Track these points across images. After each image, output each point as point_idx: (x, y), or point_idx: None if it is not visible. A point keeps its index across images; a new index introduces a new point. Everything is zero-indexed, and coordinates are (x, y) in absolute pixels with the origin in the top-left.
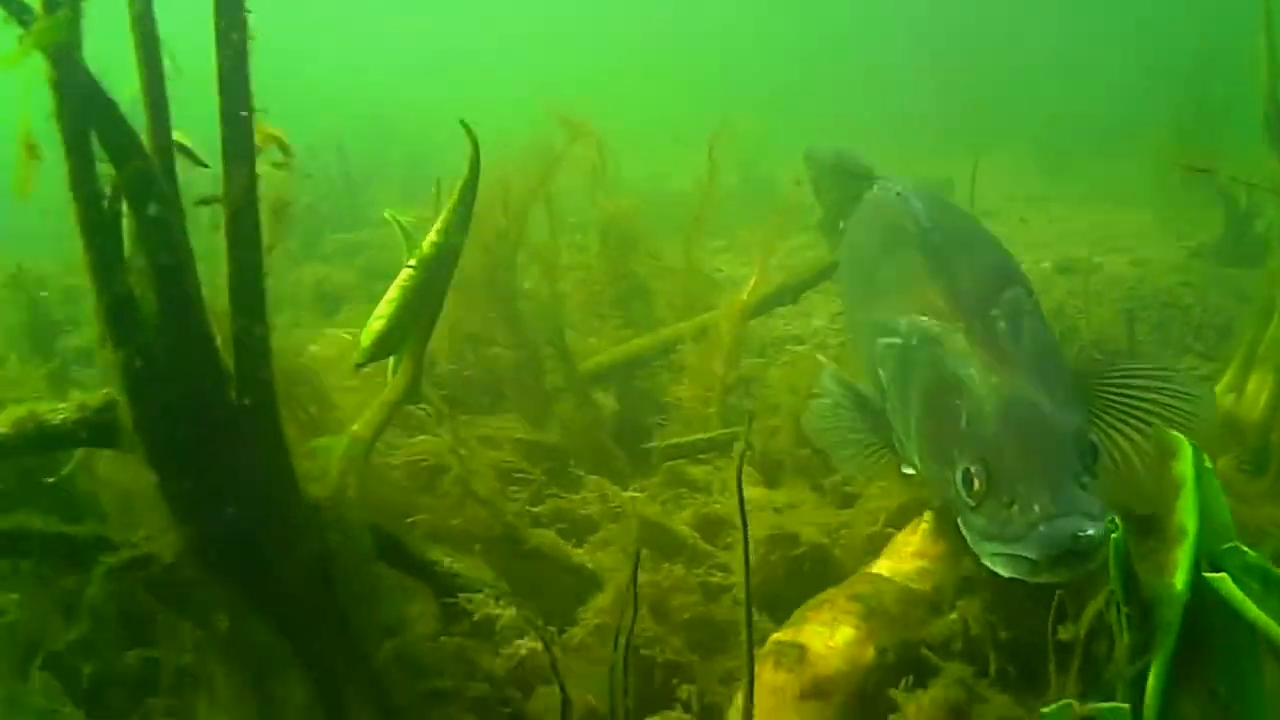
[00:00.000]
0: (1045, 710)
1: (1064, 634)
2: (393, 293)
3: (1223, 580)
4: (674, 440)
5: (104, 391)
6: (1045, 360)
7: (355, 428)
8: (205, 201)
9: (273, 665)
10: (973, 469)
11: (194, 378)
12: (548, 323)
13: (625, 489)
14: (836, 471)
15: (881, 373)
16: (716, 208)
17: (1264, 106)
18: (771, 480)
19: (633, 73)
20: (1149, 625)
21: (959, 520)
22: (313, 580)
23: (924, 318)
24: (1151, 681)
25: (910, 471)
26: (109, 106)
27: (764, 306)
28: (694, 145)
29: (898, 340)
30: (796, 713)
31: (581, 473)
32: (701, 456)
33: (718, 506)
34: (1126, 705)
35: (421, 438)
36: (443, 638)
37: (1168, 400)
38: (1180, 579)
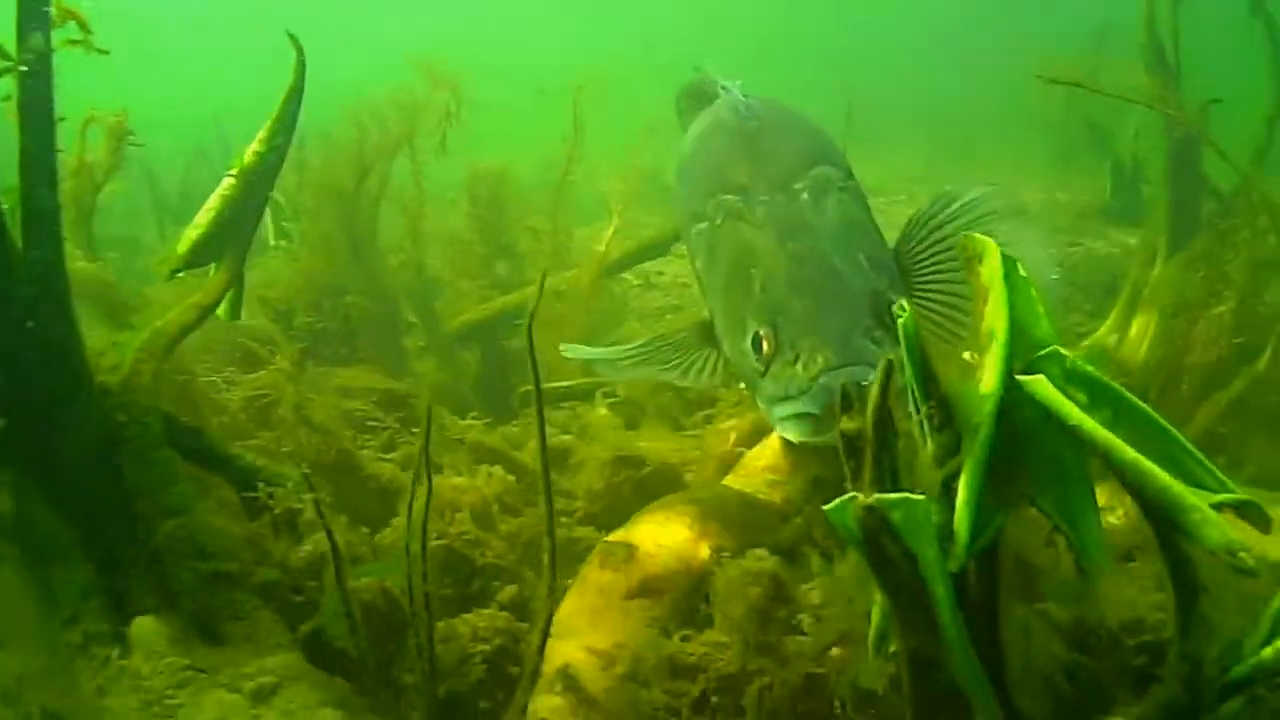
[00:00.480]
0: (827, 507)
1: (847, 425)
2: (212, 201)
3: (1038, 382)
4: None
5: None
6: (850, 230)
7: (158, 323)
8: None
9: (55, 549)
10: (762, 331)
11: None
12: (410, 279)
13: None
14: (695, 412)
15: (697, 263)
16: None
17: (1143, 35)
18: (633, 423)
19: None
20: (955, 430)
21: (754, 396)
22: (98, 462)
23: (729, 196)
24: (962, 493)
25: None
26: None
27: (627, 262)
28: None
29: (705, 224)
30: (623, 611)
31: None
32: (564, 404)
33: (566, 437)
34: (922, 496)
35: (261, 373)
36: (237, 526)
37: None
38: (990, 380)
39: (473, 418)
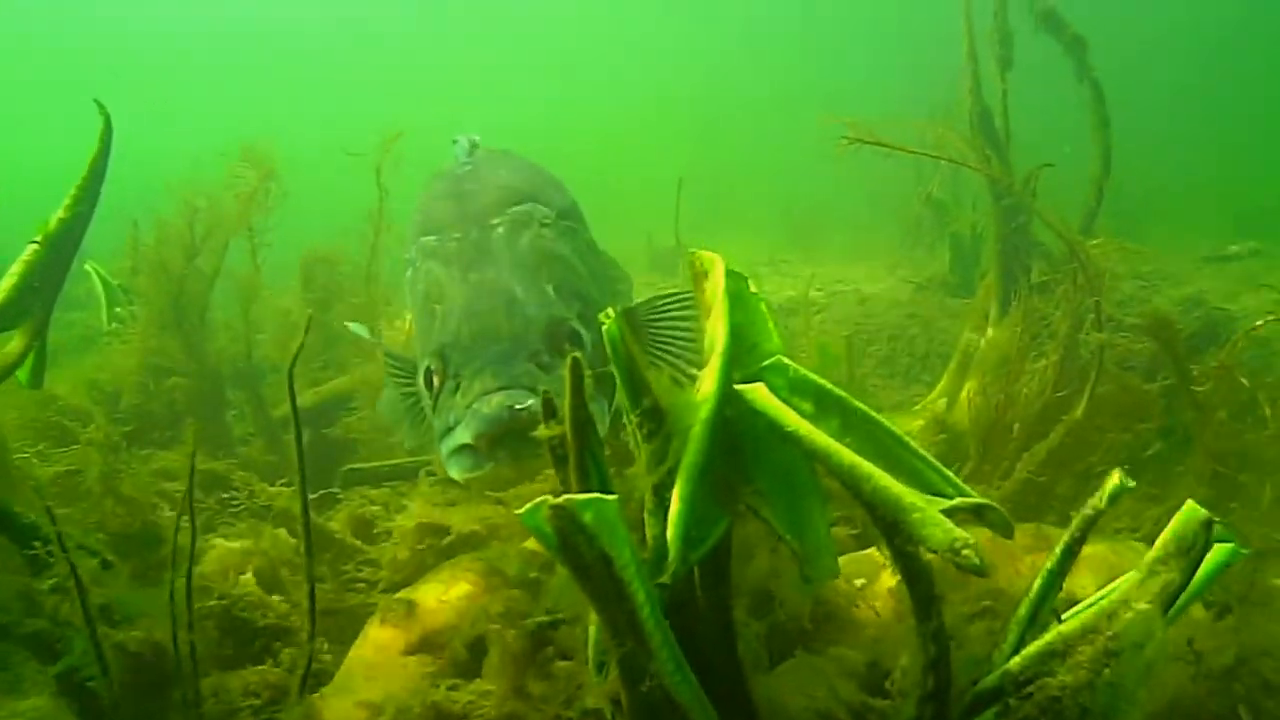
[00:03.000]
0: (519, 510)
1: (545, 432)
2: (15, 267)
3: (755, 389)
4: (357, 465)
5: None
6: (543, 262)
7: None
8: None
9: None
10: (432, 365)
11: None
12: (241, 362)
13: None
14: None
15: (408, 311)
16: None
17: (969, 105)
18: (454, 501)
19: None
20: (666, 438)
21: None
22: None
23: (429, 236)
24: (675, 500)
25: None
26: None
27: None
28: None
29: (410, 268)
30: (400, 666)
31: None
32: (387, 484)
33: (373, 508)
34: (613, 497)
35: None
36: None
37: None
38: (707, 387)
39: (282, 484)
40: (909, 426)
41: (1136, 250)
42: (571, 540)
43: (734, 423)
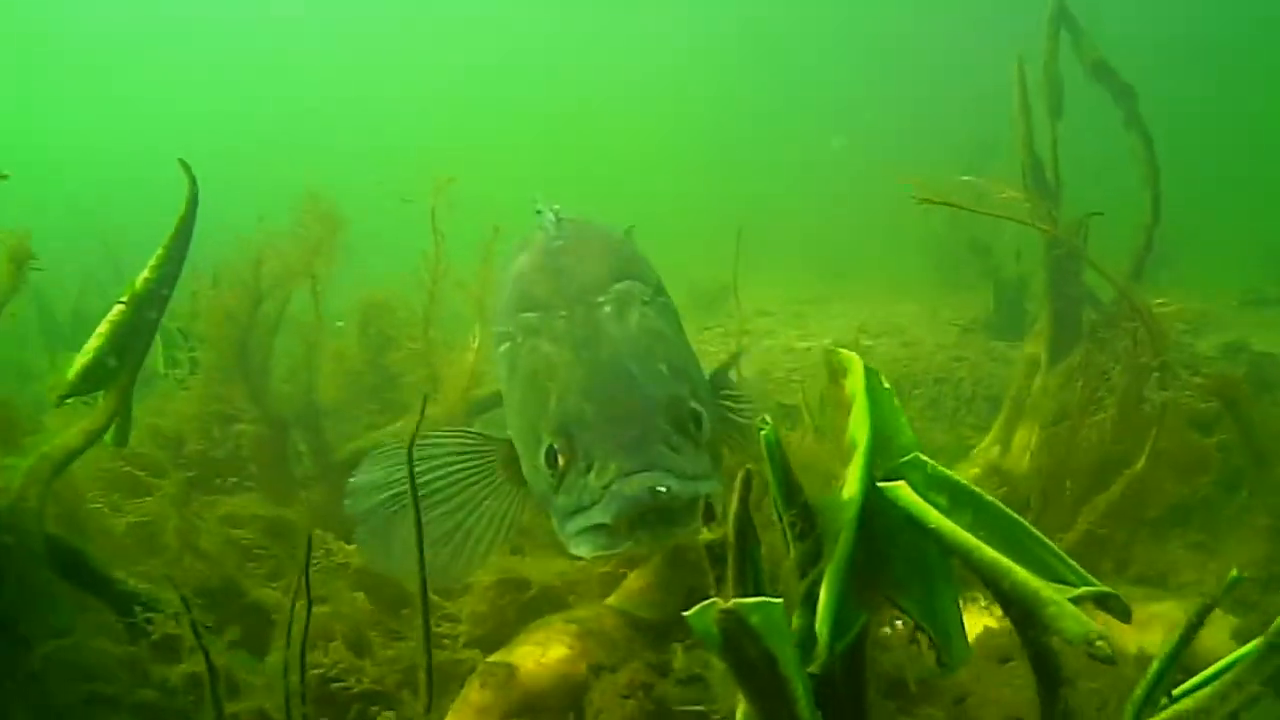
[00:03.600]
0: (687, 613)
1: (708, 535)
2: (102, 327)
3: (898, 488)
4: None
5: None
6: (653, 341)
7: (45, 448)
8: None
9: None
10: (556, 444)
11: None
12: (303, 406)
13: None
14: None
15: (502, 387)
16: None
17: (1022, 157)
18: (518, 550)
19: None
20: (817, 537)
21: (552, 517)
22: None
23: (529, 314)
24: (824, 596)
25: None
26: None
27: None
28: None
29: (508, 344)
30: None
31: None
32: None
33: None
34: (779, 600)
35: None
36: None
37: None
38: (852, 486)
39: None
40: (967, 474)
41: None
42: (736, 640)
43: (873, 515)
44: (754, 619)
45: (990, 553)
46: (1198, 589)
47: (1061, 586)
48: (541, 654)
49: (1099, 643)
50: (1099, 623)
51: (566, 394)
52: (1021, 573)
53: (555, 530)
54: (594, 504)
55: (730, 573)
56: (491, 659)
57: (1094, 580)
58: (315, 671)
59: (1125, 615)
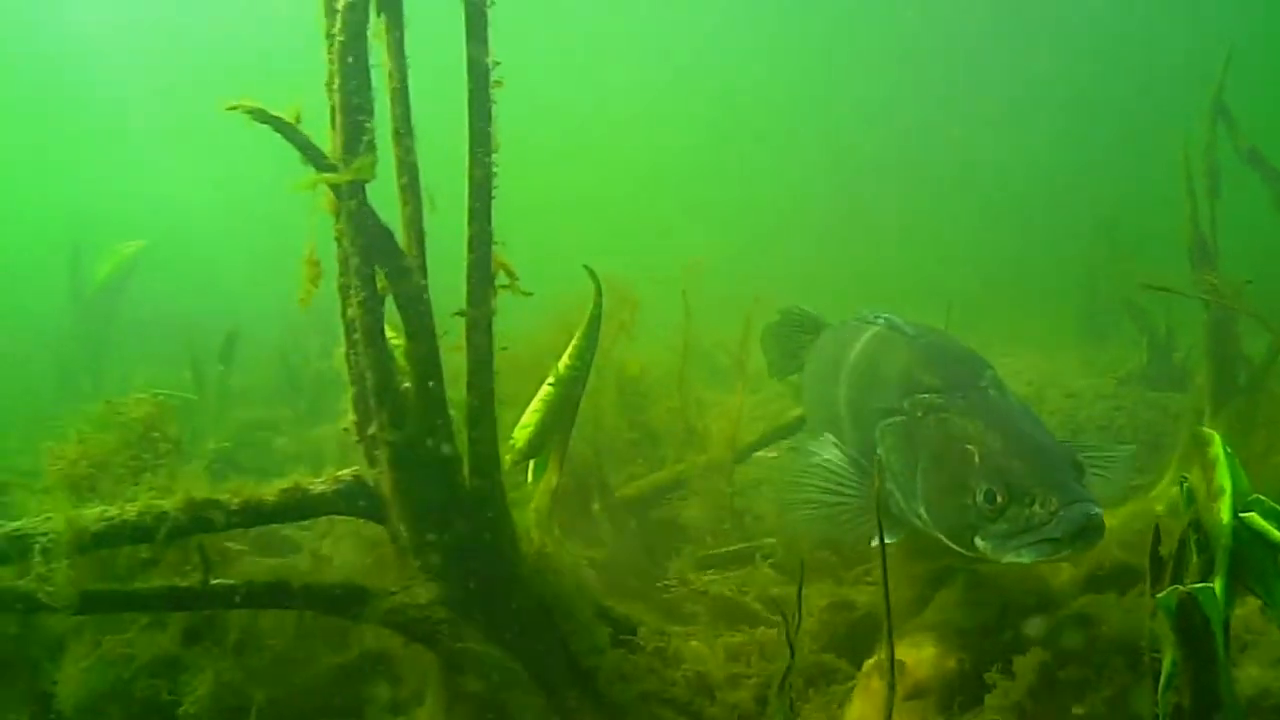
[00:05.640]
0: (1159, 595)
1: (1163, 550)
2: (536, 404)
3: (1251, 517)
4: (711, 550)
5: (352, 469)
6: (1030, 415)
7: (532, 505)
8: (459, 313)
9: (513, 680)
10: (994, 487)
11: (439, 453)
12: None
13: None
14: (854, 567)
15: (880, 450)
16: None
17: (1189, 232)
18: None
19: None
20: (1208, 550)
21: (970, 540)
22: (536, 614)
23: (925, 395)
24: (1216, 588)
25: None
26: (389, 237)
27: (762, 443)
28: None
29: (900, 417)
30: (903, 710)
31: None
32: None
33: (775, 589)
34: (1214, 586)
35: None
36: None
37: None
38: (1225, 516)
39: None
40: (1156, 509)
41: None
42: (1187, 609)
43: (1238, 533)
44: (1203, 598)
45: None
46: None
47: None
48: (916, 653)
49: None
50: None
51: (990, 454)
52: None
53: (973, 548)
54: (1043, 525)
55: (1167, 572)
56: (880, 659)
57: None
58: None
59: None
